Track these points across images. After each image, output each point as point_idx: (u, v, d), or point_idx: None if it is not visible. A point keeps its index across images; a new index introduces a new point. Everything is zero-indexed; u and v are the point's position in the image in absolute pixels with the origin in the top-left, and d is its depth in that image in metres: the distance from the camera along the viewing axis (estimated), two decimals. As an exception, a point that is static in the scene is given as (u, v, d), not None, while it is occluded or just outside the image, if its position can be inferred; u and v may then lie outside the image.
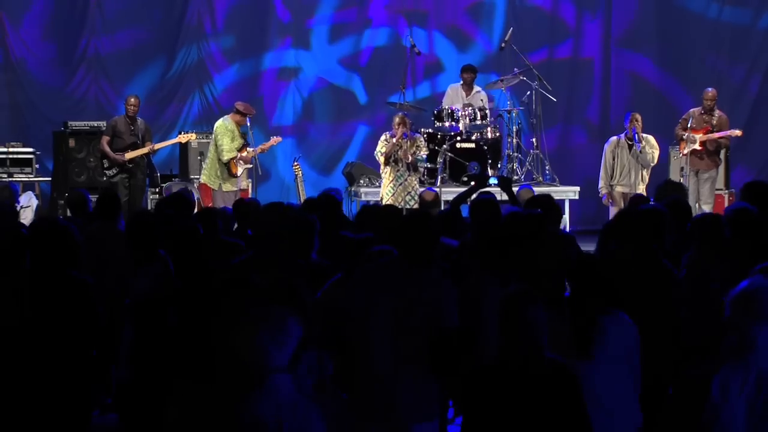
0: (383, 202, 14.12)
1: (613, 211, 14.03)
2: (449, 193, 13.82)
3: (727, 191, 16.00)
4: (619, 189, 14.30)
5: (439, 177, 15.52)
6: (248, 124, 14.68)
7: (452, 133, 15.76)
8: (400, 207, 13.95)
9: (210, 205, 14.05)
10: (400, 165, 14.39)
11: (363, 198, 15.74)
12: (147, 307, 6.88)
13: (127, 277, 7.36)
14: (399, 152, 14.39)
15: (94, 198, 10.10)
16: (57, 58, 17.49)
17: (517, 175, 15.86)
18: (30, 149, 16.30)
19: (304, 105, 18.12)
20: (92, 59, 17.50)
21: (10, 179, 15.40)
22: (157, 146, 15.06)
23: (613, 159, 14.37)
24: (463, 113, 15.79)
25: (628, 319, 5.75)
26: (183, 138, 15.69)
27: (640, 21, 18.42)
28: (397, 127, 14.38)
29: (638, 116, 14.32)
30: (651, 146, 14.32)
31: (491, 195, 8.56)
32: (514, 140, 16.03)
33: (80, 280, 6.18)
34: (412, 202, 14.35)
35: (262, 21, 17.99)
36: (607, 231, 7.71)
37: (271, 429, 4.45)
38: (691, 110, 15.20)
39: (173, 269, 7.15)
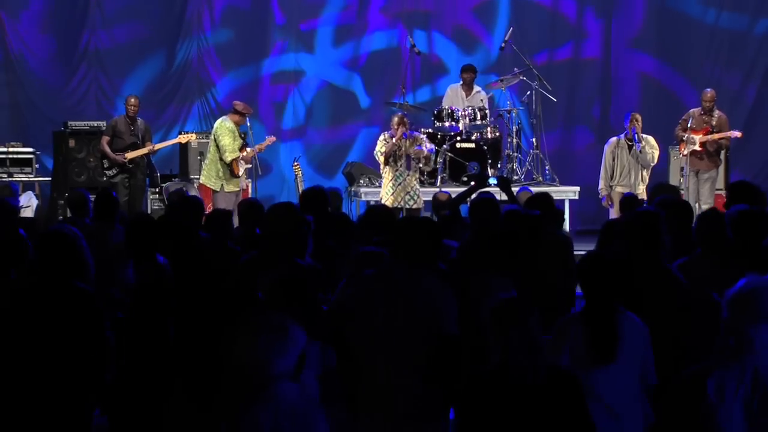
0: (382, 202, 14.13)
1: (612, 212, 14.03)
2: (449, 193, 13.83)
3: (726, 192, 16.00)
4: (619, 189, 14.29)
5: (439, 177, 15.53)
6: (248, 123, 14.68)
7: (452, 133, 15.77)
8: (399, 207, 13.99)
9: (209, 206, 14.04)
10: (400, 165, 14.39)
11: (363, 198, 15.74)
12: (140, 307, 6.90)
13: (122, 276, 7.37)
14: (399, 152, 14.40)
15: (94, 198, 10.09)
16: (57, 57, 17.49)
17: (517, 175, 15.87)
18: (30, 149, 16.31)
19: (305, 105, 18.12)
20: (92, 58, 17.49)
21: (10, 179, 15.41)
22: (157, 146, 15.06)
23: (613, 159, 14.37)
24: (463, 113, 15.80)
25: (639, 320, 5.72)
26: (183, 138, 15.68)
27: (643, 22, 18.42)
28: (396, 127, 14.37)
29: (638, 116, 14.32)
30: (651, 146, 14.32)
31: (491, 195, 8.56)
32: (514, 140, 16.04)
33: (85, 291, 6.17)
34: (411, 202, 14.35)
35: (263, 21, 18.00)
36: (607, 232, 7.71)
37: None
38: (691, 111, 15.21)
39: (172, 272, 7.17)
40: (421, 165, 14.66)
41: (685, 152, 14.92)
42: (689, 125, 14.94)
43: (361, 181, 16.22)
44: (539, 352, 4.88)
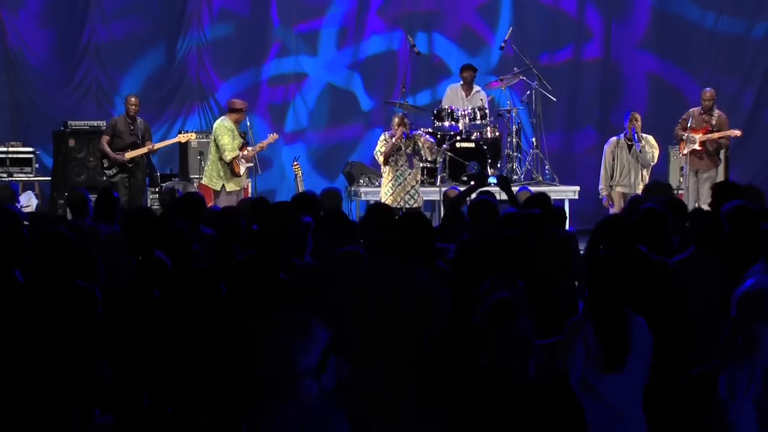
0: (382, 202, 14.14)
1: (612, 212, 14.04)
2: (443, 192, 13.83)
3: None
4: (618, 189, 14.31)
5: (439, 176, 15.54)
6: (248, 122, 14.68)
7: (452, 133, 15.78)
8: (399, 207, 14.00)
9: (210, 206, 14.05)
10: (400, 164, 14.40)
11: (363, 198, 15.75)
12: (137, 304, 6.90)
13: (121, 276, 7.38)
14: (399, 152, 14.40)
15: (94, 198, 10.09)
16: (56, 54, 17.46)
17: (517, 174, 15.87)
18: (30, 149, 16.31)
19: (305, 107, 18.11)
20: (92, 55, 17.48)
21: (10, 179, 15.40)
22: (157, 146, 15.05)
23: (613, 159, 14.38)
24: (463, 113, 15.80)
25: (645, 323, 5.72)
26: (183, 137, 15.68)
27: (644, 25, 18.43)
28: (396, 126, 14.39)
29: (638, 116, 14.33)
30: (651, 146, 14.33)
31: (490, 195, 8.57)
32: (514, 140, 16.04)
33: (85, 290, 6.17)
34: (411, 202, 14.36)
35: (263, 22, 17.99)
36: (599, 232, 7.68)
37: None
38: (691, 110, 15.22)
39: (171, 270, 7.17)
40: (425, 155, 14.63)
41: (685, 152, 14.93)
42: (689, 124, 14.94)
43: (361, 181, 16.23)
44: (530, 351, 4.90)
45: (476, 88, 16.31)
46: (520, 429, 4.85)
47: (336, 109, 18.17)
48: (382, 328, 5.83)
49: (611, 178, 14.40)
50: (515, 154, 16.04)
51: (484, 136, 15.89)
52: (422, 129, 15.31)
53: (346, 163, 17.04)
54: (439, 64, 18.19)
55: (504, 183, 9.85)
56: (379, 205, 9.20)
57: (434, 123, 15.93)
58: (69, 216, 10.89)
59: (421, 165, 14.80)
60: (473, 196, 9.43)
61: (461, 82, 16.30)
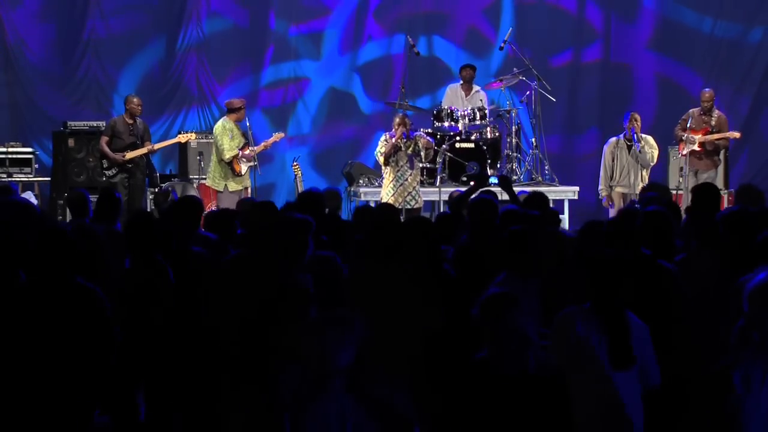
0: (383, 202, 14.14)
1: (612, 213, 14.05)
2: (448, 193, 13.82)
3: (726, 191, 16.00)
4: (618, 190, 14.32)
5: (438, 177, 15.53)
6: (247, 123, 14.69)
7: (451, 133, 15.78)
8: (400, 207, 14.00)
9: (210, 205, 14.07)
10: (401, 165, 14.40)
11: (363, 198, 15.74)
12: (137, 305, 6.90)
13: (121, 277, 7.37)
14: (399, 152, 14.40)
15: (93, 198, 10.07)
16: (55, 53, 17.45)
17: (516, 174, 15.87)
18: (29, 149, 16.31)
19: (305, 106, 18.10)
20: (92, 52, 17.46)
21: (10, 179, 15.40)
22: (157, 146, 15.05)
23: (613, 160, 14.38)
24: (463, 113, 15.80)
25: (639, 320, 5.71)
26: (183, 138, 15.68)
27: (644, 29, 18.45)
28: (396, 127, 14.39)
29: (637, 116, 14.34)
30: (650, 146, 14.34)
31: (491, 195, 8.56)
32: (514, 140, 16.04)
33: (87, 288, 6.17)
34: (412, 202, 14.36)
35: (263, 22, 17.99)
36: (588, 232, 7.67)
37: (336, 429, 4.58)
38: (690, 111, 15.22)
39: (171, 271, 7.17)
40: (423, 154, 14.64)
41: (684, 152, 14.93)
42: (688, 125, 14.95)
43: (361, 181, 16.23)
44: (527, 345, 4.90)
45: (476, 87, 16.31)
46: (513, 421, 4.87)
47: (337, 110, 18.15)
48: (380, 327, 5.84)
49: (611, 179, 14.41)
50: (515, 154, 16.04)
51: (484, 137, 15.89)
52: (422, 129, 15.33)
53: (346, 164, 17.03)
54: (441, 66, 18.16)
55: (505, 183, 9.86)
56: (365, 208, 9.22)
57: (434, 123, 15.93)
58: (69, 216, 10.88)
59: (420, 165, 14.80)
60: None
61: (461, 82, 16.30)
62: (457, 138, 15.68)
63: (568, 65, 18.37)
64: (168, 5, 17.80)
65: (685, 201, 13.65)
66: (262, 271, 6.51)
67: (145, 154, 14.75)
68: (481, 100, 16.16)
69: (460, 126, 15.76)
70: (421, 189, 14.78)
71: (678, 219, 8.26)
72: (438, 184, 15.32)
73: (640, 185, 14.13)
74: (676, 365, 6.14)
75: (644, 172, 14.30)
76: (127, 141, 14.60)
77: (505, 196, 9.77)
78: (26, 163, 16.11)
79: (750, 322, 4.61)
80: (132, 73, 17.61)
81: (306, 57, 18.09)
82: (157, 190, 15.48)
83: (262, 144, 14.80)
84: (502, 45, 16.80)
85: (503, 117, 16.28)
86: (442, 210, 14.41)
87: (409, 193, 14.40)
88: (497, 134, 16.06)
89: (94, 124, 16.11)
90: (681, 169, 15.11)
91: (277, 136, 15.08)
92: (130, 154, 14.54)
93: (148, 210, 15.44)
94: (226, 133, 14.39)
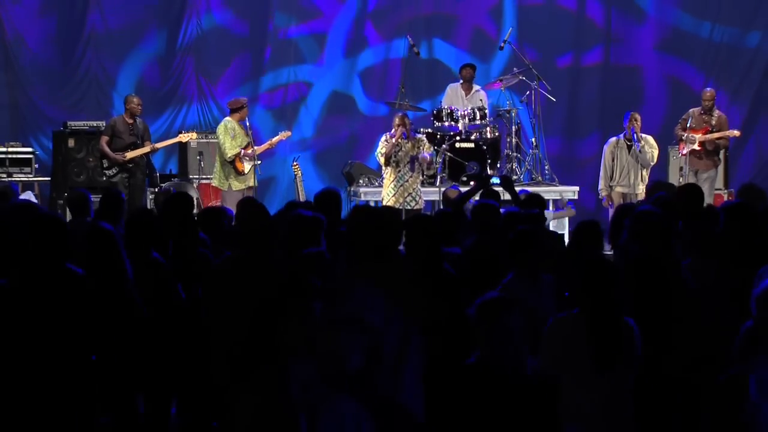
0: (384, 203, 14.14)
1: (612, 213, 14.03)
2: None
3: (726, 191, 16.02)
4: (618, 190, 14.32)
5: (438, 177, 15.53)
6: (247, 123, 14.69)
7: (451, 133, 15.78)
8: (400, 208, 14.00)
9: (209, 204, 14.09)
10: (402, 166, 14.40)
11: (362, 198, 15.73)
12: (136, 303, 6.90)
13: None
14: (399, 153, 14.40)
15: (95, 198, 10.06)
16: (55, 50, 17.43)
17: (516, 174, 15.87)
18: (29, 149, 16.31)
19: (305, 106, 18.10)
20: (92, 49, 17.45)
21: (10, 179, 15.39)
22: (158, 146, 15.06)
23: (613, 160, 14.39)
24: (463, 113, 15.80)
25: (634, 324, 5.69)
26: (183, 137, 15.68)
27: (644, 33, 18.47)
28: (396, 127, 14.39)
29: (637, 116, 14.35)
30: (650, 146, 14.35)
31: (496, 195, 8.59)
32: (514, 140, 16.04)
33: (76, 273, 6.18)
34: (413, 203, 14.36)
35: (263, 24, 17.99)
36: (580, 233, 7.65)
37: (351, 430, 4.60)
38: (691, 110, 15.23)
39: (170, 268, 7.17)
40: (424, 169, 14.74)
41: (685, 152, 14.94)
42: (689, 124, 14.95)
43: (361, 181, 16.22)
44: (520, 348, 4.90)
45: (476, 87, 16.31)
46: (504, 424, 4.87)
47: (337, 111, 18.14)
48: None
49: (611, 179, 14.41)
50: (515, 154, 16.04)
51: (484, 137, 15.89)
52: (422, 129, 15.28)
53: (346, 164, 17.03)
54: (441, 69, 18.12)
55: (507, 183, 9.87)
56: (359, 207, 9.20)
57: (434, 123, 15.93)
58: (69, 216, 10.87)
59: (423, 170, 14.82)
60: (476, 197, 9.46)
61: (461, 82, 16.30)
62: (457, 138, 15.67)
63: (571, 67, 18.34)
64: (167, 4, 17.79)
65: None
66: (265, 269, 6.50)
67: (145, 154, 14.76)
68: (481, 99, 16.16)
69: (460, 126, 15.76)
70: (421, 189, 14.77)
71: (677, 219, 8.23)
72: (438, 183, 15.32)
73: (640, 185, 14.15)
74: (675, 366, 6.14)
75: (644, 172, 14.31)
76: (128, 141, 14.61)
77: (507, 196, 9.79)
78: (26, 163, 16.11)
79: (760, 327, 4.57)
80: (132, 71, 17.58)
81: (306, 57, 18.07)
82: (157, 189, 15.47)
83: (267, 143, 14.86)
84: (502, 45, 16.80)
85: (503, 117, 16.28)
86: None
87: (410, 194, 14.41)
88: (497, 134, 16.06)
89: (94, 124, 16.11)
90: (681, 168, 15.12)
91: (282, 135, 15.11)
92: (130, 154, 14.55)
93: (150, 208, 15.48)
94: (227, 133, 14.46)
